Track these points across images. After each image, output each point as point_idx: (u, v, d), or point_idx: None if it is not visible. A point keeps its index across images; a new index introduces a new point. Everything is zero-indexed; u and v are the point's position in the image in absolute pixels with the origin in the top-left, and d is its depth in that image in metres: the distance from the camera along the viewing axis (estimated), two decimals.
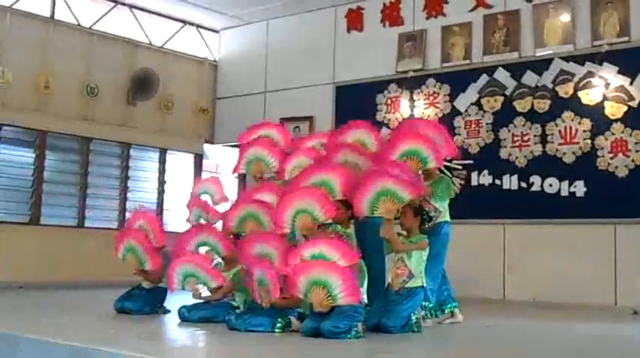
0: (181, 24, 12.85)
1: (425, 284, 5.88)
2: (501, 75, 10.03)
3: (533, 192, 9.58)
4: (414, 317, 5.67)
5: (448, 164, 9.33)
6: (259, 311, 5.63)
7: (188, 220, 7.35)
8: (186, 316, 6.16)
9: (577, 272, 9.19)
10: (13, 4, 10.74)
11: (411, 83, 10.80)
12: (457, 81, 10.40)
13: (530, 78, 9.80)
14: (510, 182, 9.70)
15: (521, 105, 9.83)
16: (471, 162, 10.03)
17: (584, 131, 9.34)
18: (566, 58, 9.57)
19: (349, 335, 5.20)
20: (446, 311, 6.63)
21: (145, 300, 6.80)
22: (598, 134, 9.24)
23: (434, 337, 5.68)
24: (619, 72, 9.17)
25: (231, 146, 13.21)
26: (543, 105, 9.67)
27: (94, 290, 9.62)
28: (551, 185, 9.49)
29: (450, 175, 9.68)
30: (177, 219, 12.39)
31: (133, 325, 6.12)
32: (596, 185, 9.19)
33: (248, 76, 12.75)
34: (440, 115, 10.42)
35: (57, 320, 6.51)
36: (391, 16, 11.16)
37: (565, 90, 9.53)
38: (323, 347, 4.94)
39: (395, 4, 11.11)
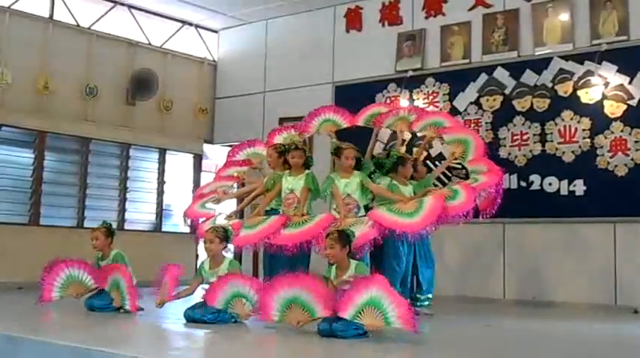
0: (180, 24, 12.84)
1: None
2: (500, 74, 10.03)
3: (533, 191, 9.58)
4: None
5: (450, 164, 9.35)
6: None
7: None
8: (192, 317, 6.15)
9: (577, 271, 9.20)
10: (11, 5, 10.74)
11: (411, 82, 10.80)
12: (456, 80, 10.40)
13: (529, 77, 9.80)
14: (510, 181, 9.68)
15: (521, 105, 9.84)
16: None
17: (584, 130, 9.34)
18: (566, 57, 9.57)
19: (357, 336, 5.23)
20: None
21: (111, 298, 6.85)
22: (597, 133, 9.24)
23: (436, 337, 5.68)
24: (618, 71, 9.17)
25: (231, 146, 13.21)
26: (543, 104, 9.69)
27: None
28: (550, 184, 9.49)
29: (450, 175, 9.72)
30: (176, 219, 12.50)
31: (137, 326, 6.13)
32: (596, 184, 9.19)
33: (247, 76, 12.74)
34: None
35: (59, 321, 6.54)
36: (390, 15, 11.17)
37: (564, 89, 9.54)
38: (330, 347, 4.96)
39: (394, 3, 11.12)
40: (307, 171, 7.23)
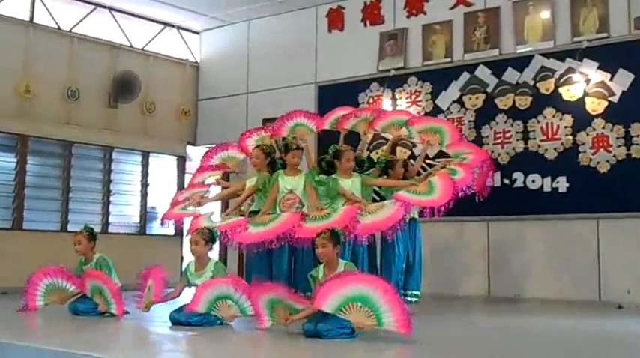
0: (162, 26, 12.80)
1: None
2: (482, 72, 10.08)
3: (516, 188, 9.63)
4: None
5: (430, 161, 9.39)
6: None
7: None
8: (177, 320, 6.12)
9: (561, 268, 9.26)
10: None
11: (393, 82, 10.83)
12: (439, 79, 10.43)
13: (511, 75, 9.85)
14: (493, 179, 9.70)
15: (503, 102, 9.89)
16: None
17: (566, 127, 9.40)
18: (547, 55, 9.63)
19: (343, 335, 5.22)
20: None
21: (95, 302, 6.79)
22: (579, 130, 9.30)
23: (426, 335, 5.69)
24: (599, 68, 9.24)
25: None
26: (525, 101, 9.74)
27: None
28: (533, 181, 9.54)
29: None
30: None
31: (122, 329, 6.10)
32: (579, 180, 9.25)
33: (230, 77, 12.72)
34: (422, 113, 10.44)
35: (44, 325, 6.50)
36: (372, 15, 11.19)
37: (546, 87, 9.59)
38: (317, 347, 4.96)
39: (375, 3, 11.14)
40: (303, 171, 7.27)
